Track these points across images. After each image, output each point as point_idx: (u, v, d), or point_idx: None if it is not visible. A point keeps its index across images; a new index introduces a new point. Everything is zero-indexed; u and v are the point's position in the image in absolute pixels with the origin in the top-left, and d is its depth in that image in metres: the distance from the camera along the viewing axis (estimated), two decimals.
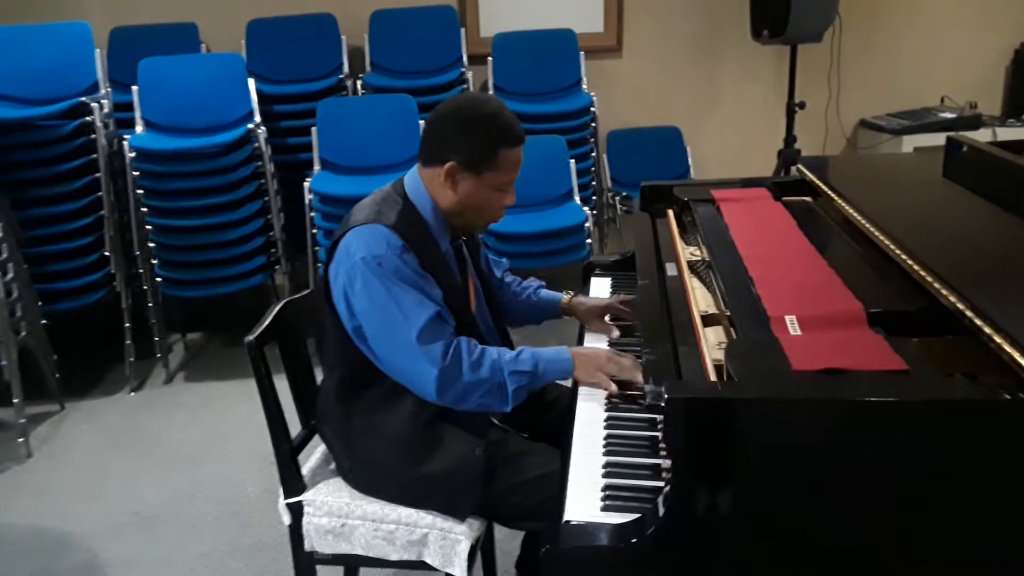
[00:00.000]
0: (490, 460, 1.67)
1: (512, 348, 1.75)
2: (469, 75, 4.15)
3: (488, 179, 1.68)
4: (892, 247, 1.53)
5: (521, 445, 1.74)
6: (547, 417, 1.89)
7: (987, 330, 1.16)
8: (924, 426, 1.10)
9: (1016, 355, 1.09)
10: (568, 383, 1.77)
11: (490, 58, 4.26)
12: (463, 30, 4.26)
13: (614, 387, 1.65)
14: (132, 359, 3.62)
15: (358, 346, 1.68)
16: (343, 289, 1.64)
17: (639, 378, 1.63)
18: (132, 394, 3.56)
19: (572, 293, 2.07)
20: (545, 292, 2.08)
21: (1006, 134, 4.32)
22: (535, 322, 2.11)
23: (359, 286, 1.61)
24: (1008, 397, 1.07)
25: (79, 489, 2.90)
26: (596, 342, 1.97)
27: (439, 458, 1.67)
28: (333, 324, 1.70)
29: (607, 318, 2.02)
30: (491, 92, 4.21)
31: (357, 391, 1.73)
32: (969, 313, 1.21)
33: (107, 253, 3.52)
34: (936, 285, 1.32)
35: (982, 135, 4.27)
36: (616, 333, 1.96)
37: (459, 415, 1.68)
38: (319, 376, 1.97)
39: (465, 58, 4.23)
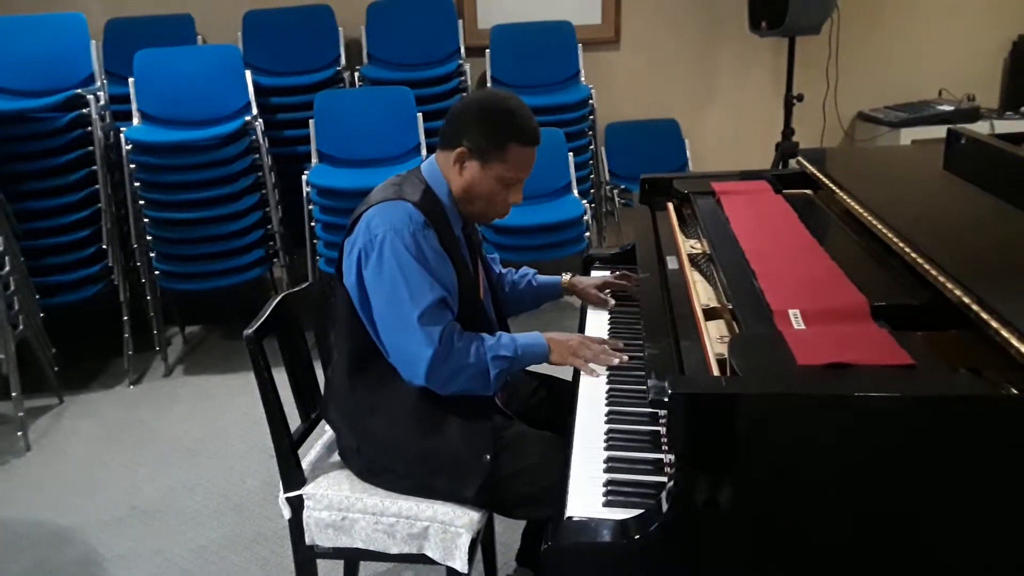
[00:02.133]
0: (494, 445, 1.68)
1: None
2: (467, 67, 4.14)
3: (494, 169, 1.72)
4: (895, 240, 1.52)
5: (524, 431, 1.75)
6: (548, 407, 1.91)
7: (993, 324, 1.16)
8: (930, 421, 1.10)
9: (1022, 348, 1.09)
10: (569, 375, 1.79)
11: (488, 50, 4.24)
12: (461, 22, 4.24)
13: (591, 372, 1.73)
14: (131, 352, 3.62)
15: (363, 320, 1.71)
16: (356, 260, 1.67)
17: (612, 362, 1.73)
18: (131, 387, 3.56)
19: (570, 274, 2.14)
20: (542, 277, 2.13)
21: (1004, 127, 4.32)
22: (535, 307, 2.16)
23: (373, 259, 1.65)
24: (1015, 391, 1.07)
25: (78, 482, 2.89)
26: (597, 315, 2.05)
27: (448, 430, 1.69)
28: (344, 299, 1.73)
29: (606, 293, 2.10)
30: (489, 84, 4.20)
31: (364, 367, 1.75)
32: (975, 307, 1.21)
33: (104, 246, 3.51)
34: (941, 279, 1.32)
35: (980, 128, 4.26)
36: (612, 302, 2.07)
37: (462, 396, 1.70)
38: (318, 369, 1.97)
39: (463, 50, 4.21)
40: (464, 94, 1.56)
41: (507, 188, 1.75)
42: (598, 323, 2.02)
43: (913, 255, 1.43)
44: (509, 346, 1.69)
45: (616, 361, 1.74)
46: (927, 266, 1.37)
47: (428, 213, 1.69)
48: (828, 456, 1.13)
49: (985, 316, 1.18)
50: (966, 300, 1.23)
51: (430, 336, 1.62)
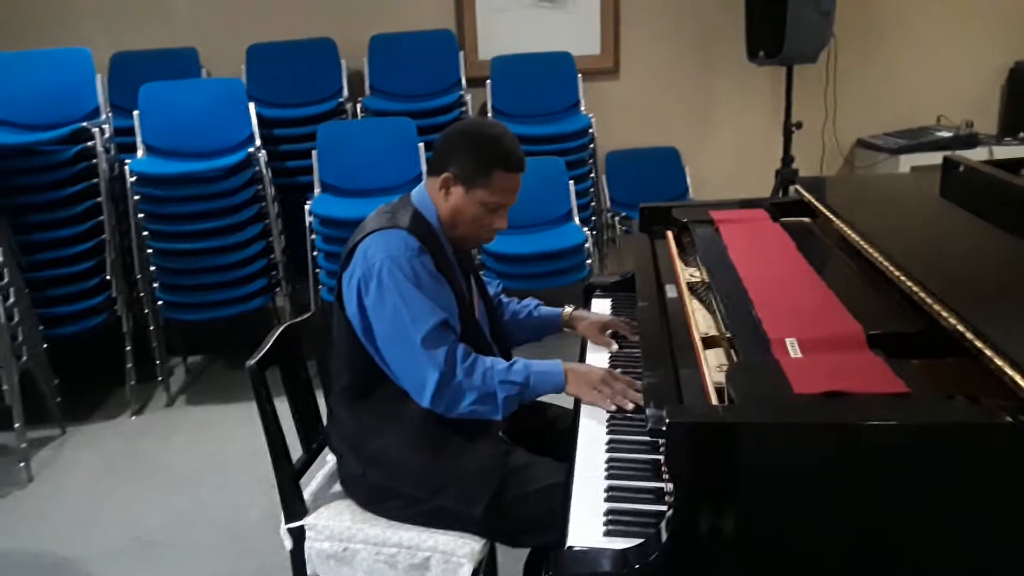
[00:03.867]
0: (502, 465, 1.69)
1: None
2: (468, 98, 4.18)
3: (478, 195, 1.75)
4: (891, 268, 1.53)
5: (526, 457, 1.75)
6: (550, 435, 1.90)
7: (987, 352, 1.16)
8: (926, 449, 1.11)
9: (1017, 377, 1.09)
10: (571, 404, 1.79)
11: (489, 81, 4.28)
12: (461, 53, 4.29)
13: (611, 406, 1.67)
14: (133, 383, 3.62)
15: (367, 347, 1.72)
16: (357, 290, 1.69)
17: (629, 406, 1.66)
18: (133, 418, 3.56)
19: (573, 306, 2.13)
20: (545, 308, 2.13)
21: (1002, 152, 4.34)
22: (536, 339, 2.15)
23: (373, 287, 1.67)
24: (1010, 419, 1.07)
25: (79, 513, 2.89)
26: (597, 353, 2.01)
27: (455, 451, 1.71)
28: (345, 328, 1.75)
29: (608, 333, 2.06)
30: (490, 114, 4.23)
31: (368, 392, 1.76)
32: (969, 335, 1.22)
33: (108, 277, 3.53)
34: (936, 307, 1.33)
35: (978, 154, 4.29)
36: (615, 347, 2.01)
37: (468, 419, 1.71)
38: (320, 399, 1.98)
39: (464, 81, 4.25)
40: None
41: (492, 213, 1.78)
42: (599, 355, 2.01)
43: (908, 283, 1.44)
44: (521, 372, 1.69)
45: (631, 407, 1.66)
46: (922, 294, 1.38)
47: (422, 238, 1.72)
48: (825, 484, 1.13)
49: (980, 344, 1.19)
50: (961, 328, 1.24)
51: (434, 359, 1.64)
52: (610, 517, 1.36)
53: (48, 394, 3.38)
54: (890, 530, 1.14)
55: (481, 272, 2.08)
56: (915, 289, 1.41)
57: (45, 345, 3.41)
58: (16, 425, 3.10)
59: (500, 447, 1.75)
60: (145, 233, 3.55)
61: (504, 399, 1.67)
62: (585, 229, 3.87)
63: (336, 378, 1.83)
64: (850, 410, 1.14)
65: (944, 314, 1.30)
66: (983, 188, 1.82)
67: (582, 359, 2.01)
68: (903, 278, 1.47)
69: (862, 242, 1.70)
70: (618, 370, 1.82)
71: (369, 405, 1.77)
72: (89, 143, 3.48)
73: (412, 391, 1.69)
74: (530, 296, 2.16)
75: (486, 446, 1.73)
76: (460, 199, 1.76)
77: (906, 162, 4.37)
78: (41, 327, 3.41)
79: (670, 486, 1.32)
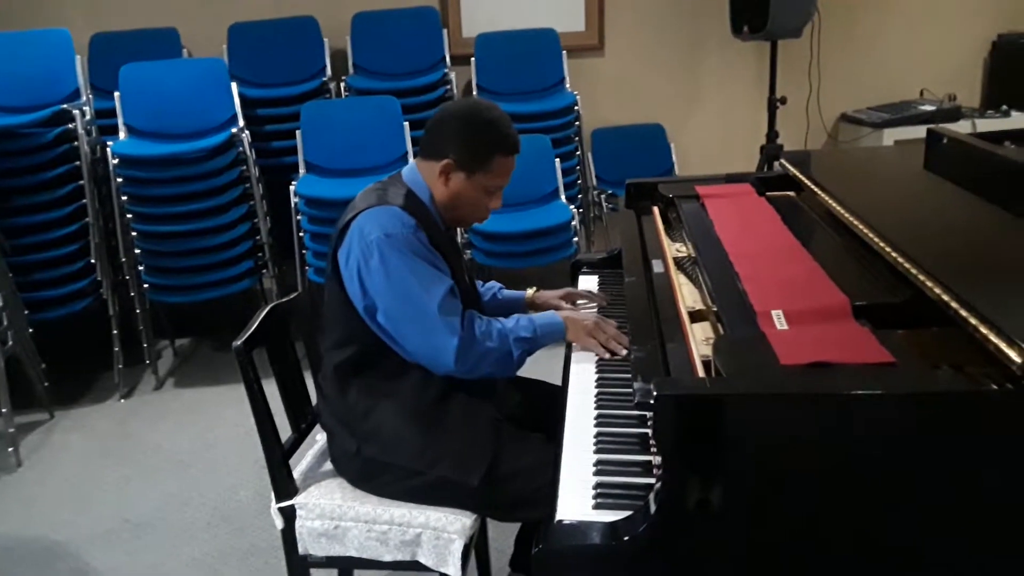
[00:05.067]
0: (496, 435, 1.72)
1: None
2: (452, 76, 4.16)
3: (478, 180, 1.77)
4: (876, 240, 1.54)
5: (516, 433, 1.78)
6: (539, 411, 1.91)
7: (972, 321, 1.17)
8: (912, 418, 1.12)
9: (1001, 345, 1.11)
10: (559, 380, 1.81)
11: (473, 58, 4.26)
12: (445, 31, 4.26)
13: (604, 352, 1.77)
14: (121, 366, 3.61)
15: (368, 325, 1.73)
16: (356, 268, 1.69)
17: (622, 352, 1.76)
18: (121, 401, 3.55)
19: (534, 288, 2.14)
20: (508, 291, 2.15)
21: (985, 125, 4.36)
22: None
23: (375, 263, 1.67)
24: (995, 387, 1.09)
25: (69, 497, 2.88)
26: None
27: (450, 422, 1.74)
28: (341, 306, 1.75)
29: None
30: (475, 92, 4.21)
31: (363, 370, 1.77)
32: (954, 304, 1.23)
33: (93, 260, 3.51)
34: (921, 277, 1.34)
35: (961, 127, 4.30)
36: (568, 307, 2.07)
37: (463, 386, 1.75)
38: (308, 379, 1.98)
39: (448, 59, 4.23)
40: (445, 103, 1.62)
41: (489, 195, 1.81)
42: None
43: (893, 254, 1.45)
44: (528, 327, 1.75)
45: (624, 352, 1.76)
46: (907, 265, 1.39)
47: (416, 216, 1.72)
48: (812, 454, 1.15)
49: (964, 313, 1.20)
50: (946, 298, 1.25)
51: (451, 325, 1.66)
52: (599, 490, 1.37)
53: (35, 379, 3.37)
54: (877, 500, 1.15)
55: (466, 252, 2.09)
56: (900, 260, 1.42)
57: (31, 330, 3.39)
58: (3, 410, 3.08)
59: (493, 420, 1.77)
60: (129, 216, 3.52)
61: (519, 356, 1.74)
62: (572, 207, 3.87)
63: (328, 357, 1.83)
64: (836, 381, 1.15)
65: (929, 284, 1.31)
66: (966, 160, 1.83)
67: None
68: (888, 249, 1.48)
69: (847, 215, 1.71)
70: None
71: (364, 382, 1.78)
72: (70, 125, 3.46)
73: (430, 359, 1.70)
74: (492, 279, 2.17)
75: (481, 419, 1.75)
76: (461, 185, 1.77)
77: (890, 136, 4.39)
78: (27, 312, 3.39)
79: (658, 459, 1.33)
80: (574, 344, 1.84)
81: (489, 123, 1.77)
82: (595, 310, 2.05)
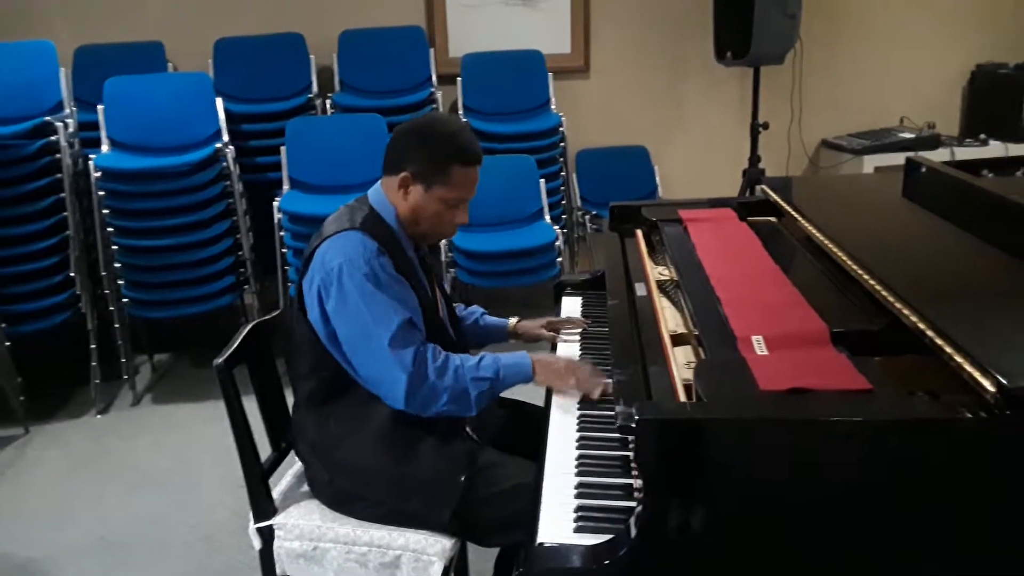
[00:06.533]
0: (467, 468, 1.69)
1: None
2: (438, 95, 4.17)
3: (437, 193, 1.75)
4: (854, 267, 1.56)
5: (495, 456, 1.76)
6: (521, 433, 1.90)
7: (947, 349, 1.19)
8: (888, 444, 1.13)
9: (975, 373, 1.12)
10: (542, 401, 1.80)
11: (459, 78, 4.28)
12: (432, 50, 4.28)
13: (577, 394, 1.71)
14: (98, 381, 3.57)
15: (332, 353, 1.71)
16: (317, 295, 1.68)
17: (595, 394, 1.69)
18: (98, 417, 3.51)
19: (517, 318, 2.13)
20: (490, 317, 2.14)
21: (964, 153, 4.43)
22: (477, 347, 2.12)
23: (334, 291, 1.65)
24: (968, 415, 1.10)
25: (44, 514, 2.85)
26: (570, 339, 2.05)
27: (421, 455, 1.70)
28: (307, 334, 1.73)
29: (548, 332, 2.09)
30: (460, 112, 4.23)
31: (333, 399, 1.75)
32: (930, 332, 1.25)
33: (72, 274, 3.48)
34: (897, 305, 1.36)
35: (940, 155, 4.37)
36: (555, 336, 2.07)
37: (437, 419, 1.70)
38: (289, 397, 1.97)
39: (435, 78, 4.24)
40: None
41: (452, 209, 1.78)
42: (570, 347, 2.03)
43: (871, 282, 1.47)
44: (490, 367, 1.69)
45: (598, 394, 1.69)
46: (884, 292, 1.41)
47: (379, 239, 1.70)
48: (791, 479, 1.16)
49: (940, 342, 1.22)
50: (921, 326, 1.27)
51: (402, 360, 1.63)
52: (580, 513, 1.37)
53: (11, 393, 3.33)
54: (855, 524, 1.16)
55: (450, 271, 2.08)
56: (877, 288, 1.44)
57: (7, 343, 3.35)
58: None
59: (468, 447, 1.75)
60: (110, 229, 3.50)
61: (477, 396, 1.67)
62: (556, 227, 3.88)
63: (299, 386, 1.81)
64: (814, 407, 1.17)
65: (905, 312, 1.33)
66: (944, 189, 1.86)
67: (553, 350, 2.03)
68: (866, 277, 1.50)
69: (827, 241, 1.73)
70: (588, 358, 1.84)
71: (334, 411, 1.76)
72: (53, 137, 3.43)
73: (384, 395, 1.68)
74: (469, 302, 2.16)
75: (454, 448, 1.72)
76: (420, 198, 1.76)
77: (870, 162, 4.44)
78: (3, 324, 3.35)
79: (639, 482, 1.33)
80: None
81: (445, 135, 1.75)
82: (577, 336, 2.05)
